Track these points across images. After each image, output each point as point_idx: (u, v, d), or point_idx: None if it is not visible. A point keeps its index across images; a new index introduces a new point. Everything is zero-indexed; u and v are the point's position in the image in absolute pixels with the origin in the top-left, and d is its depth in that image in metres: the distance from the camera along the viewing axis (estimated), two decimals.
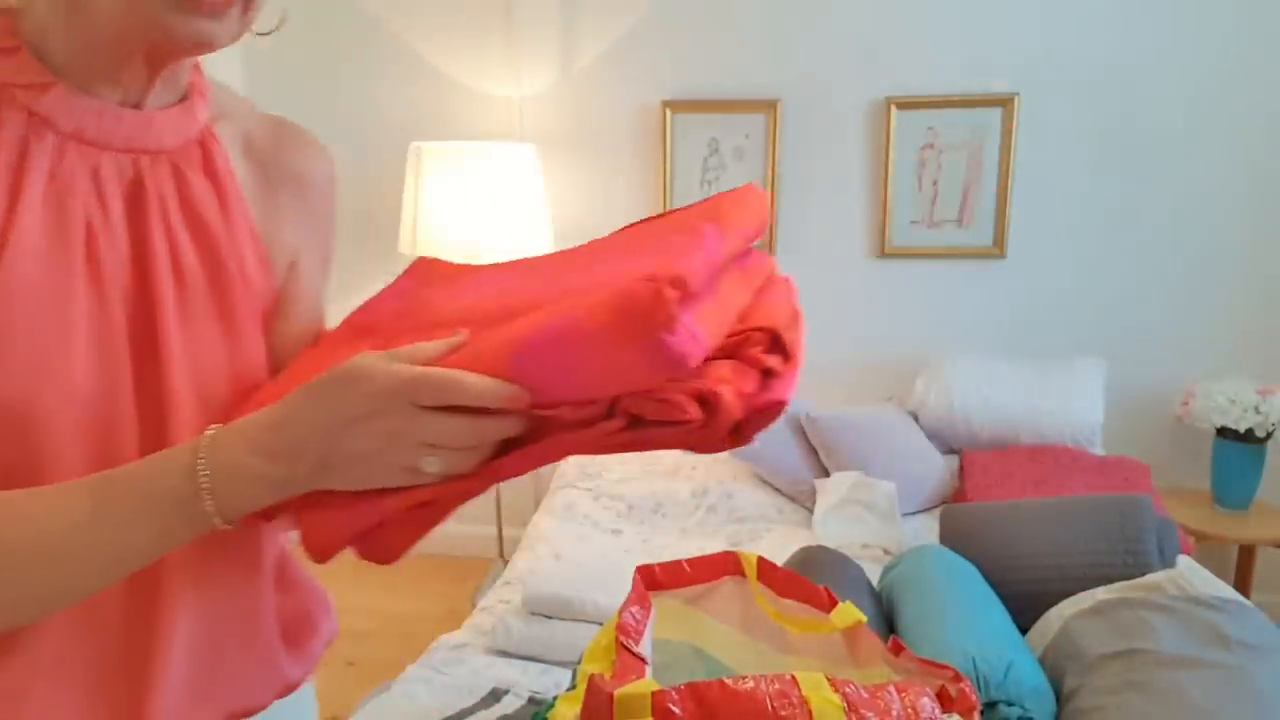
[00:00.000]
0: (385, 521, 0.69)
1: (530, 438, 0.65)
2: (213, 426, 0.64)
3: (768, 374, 0.67)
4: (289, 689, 0.83)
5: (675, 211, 0.78)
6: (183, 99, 0.75)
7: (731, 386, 0.63)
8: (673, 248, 0.66)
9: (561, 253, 0.82)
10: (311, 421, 0.62)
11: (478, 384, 0.60)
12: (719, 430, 0.63)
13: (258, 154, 0.81)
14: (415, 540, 0.73)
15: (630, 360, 0.59)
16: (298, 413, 0.62)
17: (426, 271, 0.88)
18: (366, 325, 0.79)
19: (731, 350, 0.66)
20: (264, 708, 0.80)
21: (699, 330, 0.60)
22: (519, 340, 0.62)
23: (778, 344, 0.68)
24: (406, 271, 0.89)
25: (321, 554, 0.73)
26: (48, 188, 0.66)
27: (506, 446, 0.65)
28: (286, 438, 0.62)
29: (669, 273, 0.59)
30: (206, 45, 0.66)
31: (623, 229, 0.81)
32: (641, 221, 0.81)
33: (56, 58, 0.67)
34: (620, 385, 0.61)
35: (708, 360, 0.63)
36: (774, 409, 0.66)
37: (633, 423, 0.63)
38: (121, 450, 0.67)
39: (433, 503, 0.68)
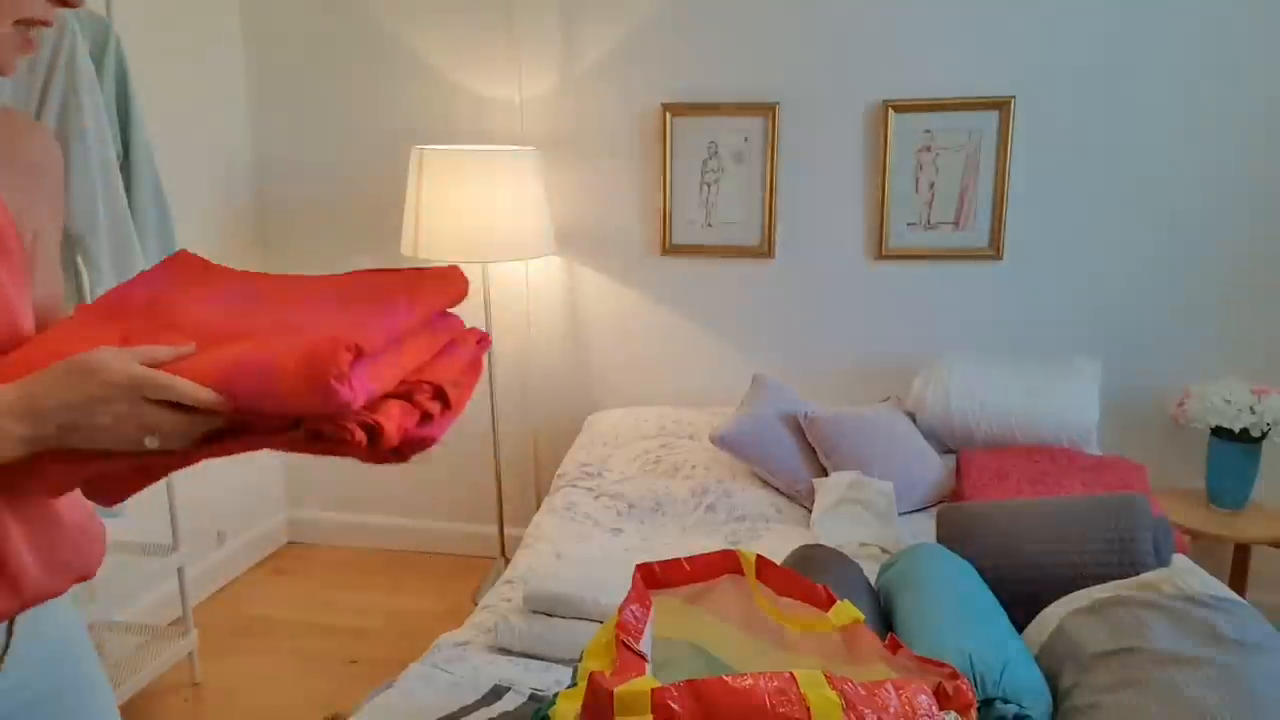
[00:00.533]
0: (110, 475, 0.88)
1: (233, 434, 0.84)
2: None
3: (427, 416, 0.90)
4: (98, 562, 1.06)
5: (392, 273, 1.02)
6: None
7: (395, 422, 0.85)
8: (369, 313, 0.91)
9: (296, 280, 1.02)
10: (56, 397, 0.78)
11: (191, 389, 0.79)
12: (380, 451, 0.84)
13: None
14: (134, 491, 0.91)
15: (309, 396, 0.79)
16: (46, 389, 0.78)
17: (181, 266, 1.06)
18: (116, 309, 0.97)
19: (405, 393, 0.89)
20: (94, 573, 1.06)
21: (368, 383, 0.83)
22: (231, 362, 0.82)
23: (441, 395, 0.92)
24: (163, 263, 1.06)
25: (53, 492, 0.92)
26: None
27: (215, 435, 0.84)
28: (34, 407, 0.78)
29: (351, 339, 0.81)
30: None
31: (350, 274, 1.03)
32: (365, 272, 1.03)
33: None
34: (302, 411, 0.81)
35: (385, 398, 0.86)
36: (426, 441, 0.89)
37: (314, 436, 0.82)
38: None
39: (149, 467, 0.88)
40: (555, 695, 1.27)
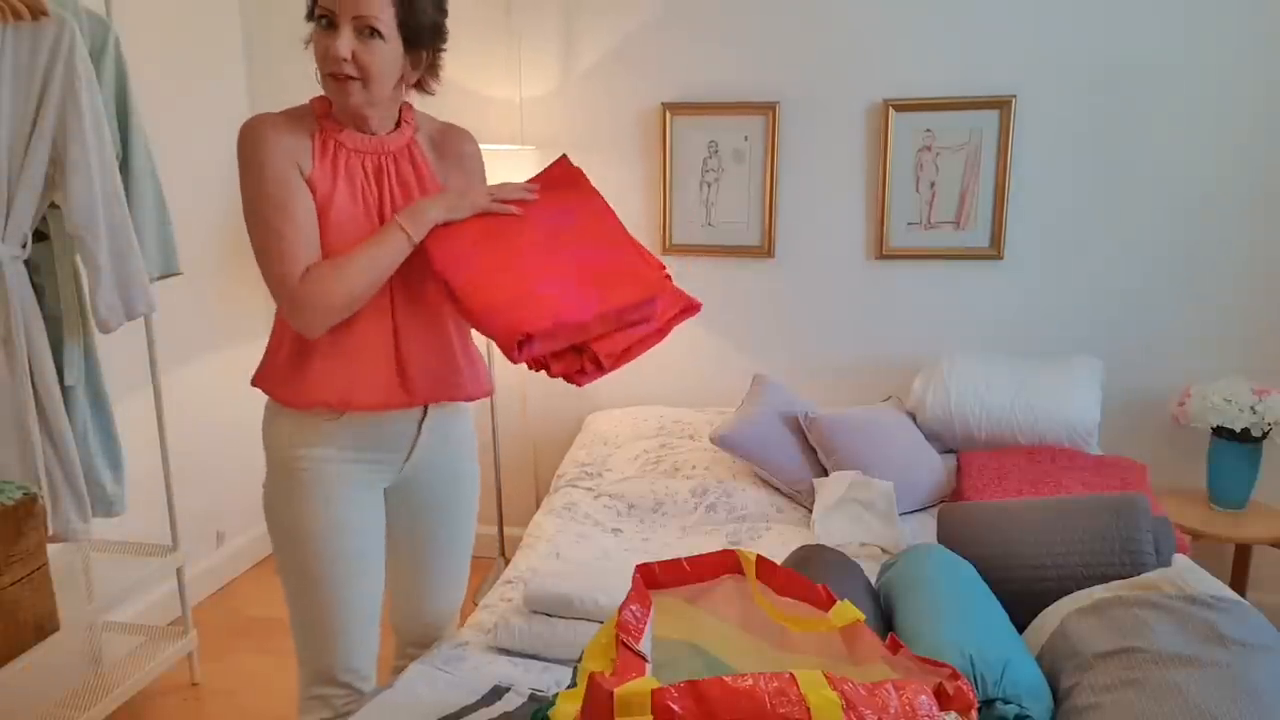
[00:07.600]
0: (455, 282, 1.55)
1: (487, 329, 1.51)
2: (402, 211, 1.59)
3: (583, 370, 1.51)
4: (482, 395, 1.74)
5: (634, 266, 1.60)
6: (397, 126, 1.68)
7: (558, 366, 1.50)
8: (582, 295, 1.50)
9: (579, 236, 1.63)
10: (449, 194, 1.62)
11: (511, 189, 1.67)
12: (547, 369, 1.49)
13: (437, 145, 1.73)
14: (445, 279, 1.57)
15: (505, 349, 1.46)
16: (448, 198, 1.60)
17: (561, 169, 1.79)
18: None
19: (578, 349, 1.50)
20: (475, 399, 1.73)
21: (536, 351, 1.46)
22: (486, 304, 1.50)
23: (596, 361, 1.49)
24: (556, 163, 1.80)
25: (437, 247, 1.58)
26: (345, 170, 1.60)
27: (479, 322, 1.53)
28: (440, 199, 1.60)
29: (526, 329, 1.44)
30: (349, 109, 1.60)
31: (608, 245, 1.63)
32: (611, 250, 1.62)
33: (343, 118, 1.62)
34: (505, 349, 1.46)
35: (558, 353, 1.49)
36: (573, 380, 1.51)
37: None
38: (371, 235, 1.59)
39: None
40: (555, 695, 1.26)
